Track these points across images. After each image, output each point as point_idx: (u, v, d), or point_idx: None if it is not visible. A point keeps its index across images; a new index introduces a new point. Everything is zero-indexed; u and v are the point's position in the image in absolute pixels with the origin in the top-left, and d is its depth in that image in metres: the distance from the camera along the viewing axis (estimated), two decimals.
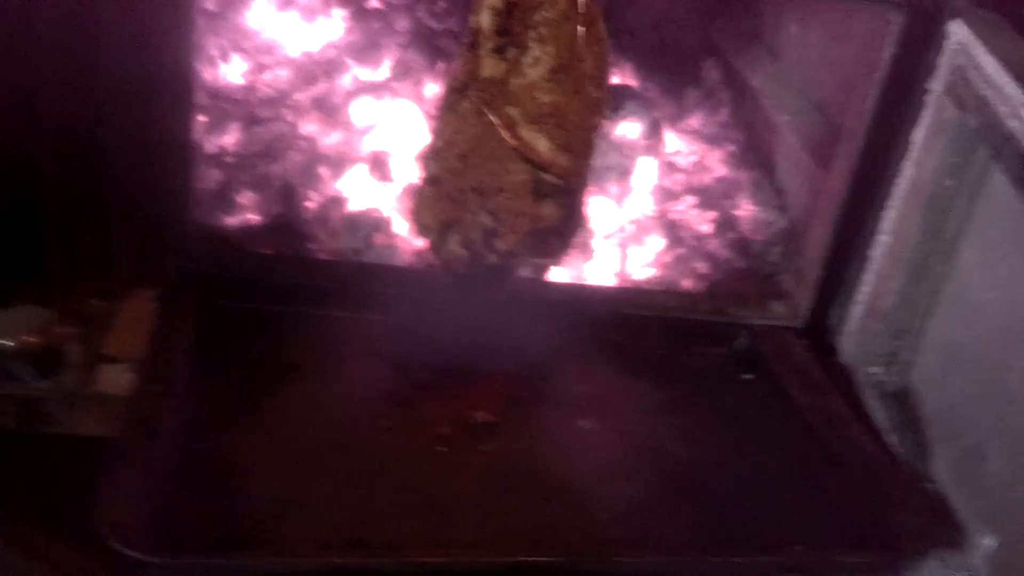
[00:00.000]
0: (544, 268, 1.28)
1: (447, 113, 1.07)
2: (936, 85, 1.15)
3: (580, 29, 0.99)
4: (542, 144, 1.02)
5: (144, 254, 1.26)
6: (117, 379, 1.15)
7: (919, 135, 1.18)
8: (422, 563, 0.95)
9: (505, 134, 1.02)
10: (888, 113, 1.24)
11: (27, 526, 1.17)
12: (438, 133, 1.08)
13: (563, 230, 1.09)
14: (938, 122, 1.14)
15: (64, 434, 1.15)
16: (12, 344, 1.13)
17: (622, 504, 1.07)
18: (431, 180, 1.09)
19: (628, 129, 1.59)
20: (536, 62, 1.00)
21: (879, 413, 1.20)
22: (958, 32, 1.14)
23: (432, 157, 1.09)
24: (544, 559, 0.96)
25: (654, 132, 1.62)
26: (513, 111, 1.02)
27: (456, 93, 1.05)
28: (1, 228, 1.20)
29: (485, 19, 1.01)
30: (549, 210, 1.06)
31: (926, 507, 1.09)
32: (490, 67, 1.01)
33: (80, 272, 1.25)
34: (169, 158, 1.22)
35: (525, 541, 1.00)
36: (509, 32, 1.00)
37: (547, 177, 1.04)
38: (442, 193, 1.08)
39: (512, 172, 1.04)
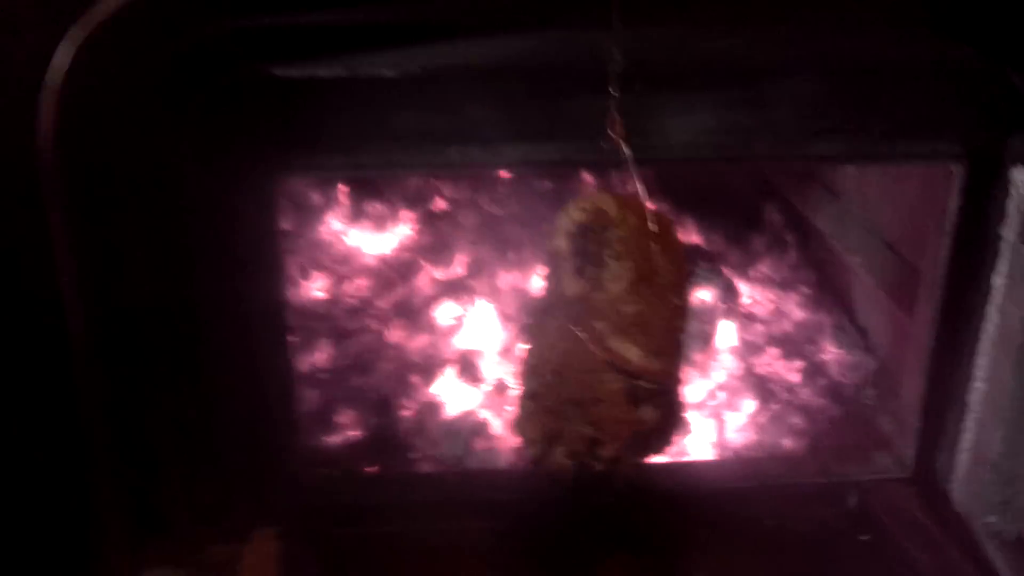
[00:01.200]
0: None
1: (536, 332, 1.11)
2: (1008, 232, 1.16)
3: (654, 245, 1.03)
4: (632, 353, 1.05)
5: (259, 493, 1.31)
6: None
7: (999, 280, 1.18)
8: None
9: (594, 348, 1.06)
10: (964, 258, 1.24)
11: None
12: (531, 351, 1.12)
13: (663, 429, 1.11)
14: (1017, 269, 1.15)
15: None
16: None
17: None
18: (529, 395, 1.13)
19: (703, 295, 1.62)
20: (616, 277, 1.04)
21: (999, 563, 1.18)
22: (1022, 177, 1.16)
23: (527, 373, 1.12)
24: None
25: (728, 291, 1.65)
26: (600, 324, 1.05)
27: (542, 313, 1.10)
28: (125, 487, 1.25)
29: (562, 243, 1.06)
30: (648, 414, 1.08)
31: None
32: (572, 286, 1.06)
33: (200, 520, 1.30)
34: (273, 389, 1.28)
35: None
36: (586, 252, 1.05)
37: (641, 383, 1.06)
38: (541, 407, 1.12)
39: (606, 382, 1.07)
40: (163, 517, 1.27)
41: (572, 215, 1.07)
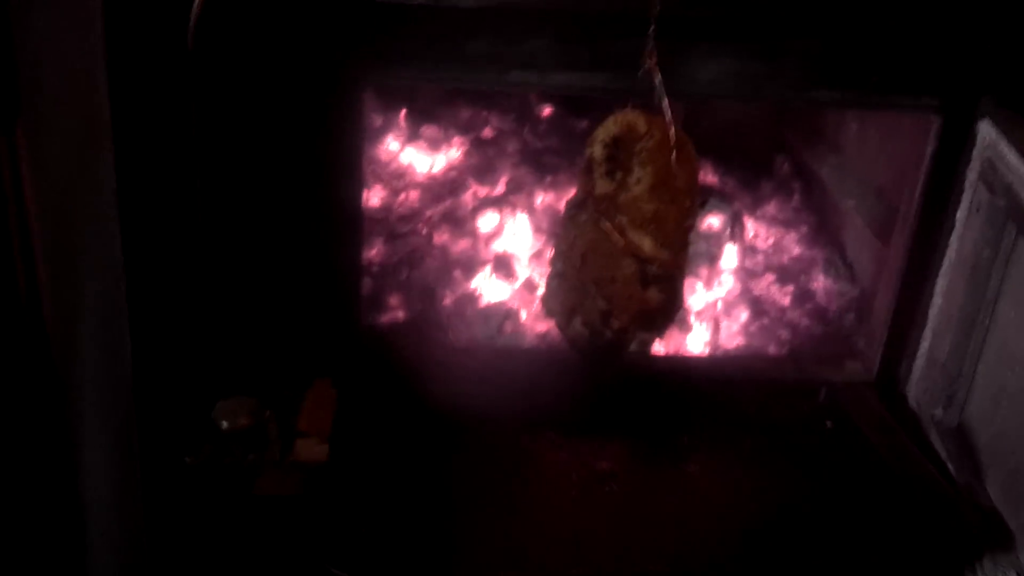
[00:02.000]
0: (650, 343, 1.55)
1: (569, 223, 1.35)
2: (971, 173, 1.39)
3: (673, 155, 1.27)
4: (646, 243, 1.29)
5: (323, 351, 1.56)
6: (310, 449, 1.44)
7: (961, 214, 1.41)
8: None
9: (616, 237, 1.29)
10: (935, 197, 1.47)
11: None
12: (562, 238, 1.37)
13: (666, 310, 1.35)
14: (975, 203, 1.38)
15: (269, 495, 1.44)
16: (227, 425, 1.41)
17: (724, 537, 1.31)
18: (557, 275, 1.37)
19: (714, 221, 1.85)
20: (639, 181, 1.28)
21: (940, 447, 1.42)
22: (986, 130, 1.38)
23: (558, 258, 1.37)
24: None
25: (736, 222, 1.88)
26: (622, 219, 1.29)
27: (576, 208, 1.34)
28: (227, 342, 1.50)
29: (597, 150, 1.29)
30: (653, 295, 1.32)
31: (981, 519, 1.31)
32: (602, 186, 1.29)
33: (275, 370, 1.54)
34: (345, 270, 1.53)
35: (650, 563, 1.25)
36: (616, 159, 1.29)
37: (651, 269, 1.30)
38: (566, 285, 1.36)
39: (622, 266, 1.31)
40: (241, 362, 1.53)
41: (607, 127, 1.31)
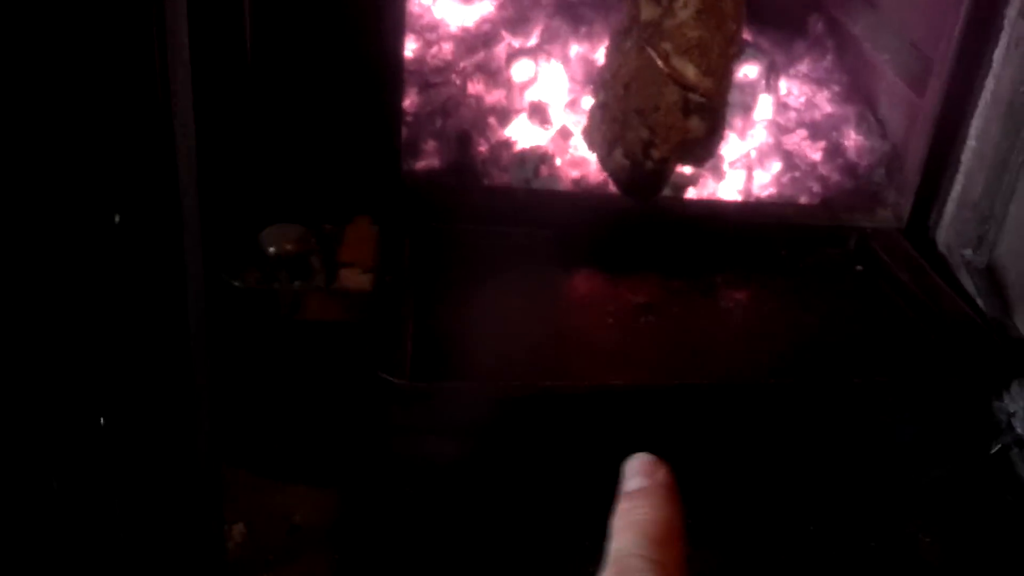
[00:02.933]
0: (684, 186, 1.58)
1: (614, 51, 1.36)
2: (1011, 11, 1.40)
3: None
4: (690, 70, 1.31)
5: (365, 188, 1.58)
6: (354, 278, 1.47)
7: (999, 54, 1.42)
8: (613, 387, 1.24)
9: (660, 64, 1.31)
10: (972, 39, 1.48)
11: None
12: (606, 67, 1.38)
13: (707, 141, 1.37)
14: (1013, 39, 1.39)
15: (314, 319, 1.48)
16: (274, 250, 1.44)
17: (761, 355, 1.35)
18: (600, 105, 1.39)
19: (750, 71, 1.86)
20: (685, 5, 1.29)
21: (970, 285, 1.46)
22: None
23: (601, 86, 1.38)
24: (710, 381, 1.26)
25: (772, 73, 1.88)
26: (667, 45, 1.30)
27: (621, 35, 1.35)
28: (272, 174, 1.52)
29: None
30: (695, 123, 1.34)
31: (1009, 346, 1.35)
32: (648, 12, 1.30)
33: (318, 204, 1.57)
34: (385, 112, 1.55)
35: (689, 376, 1.30)
36: None
37: (694, 97, 1.32)
38: (609, 115, 1.38)
39: (666, 95, 1.32)
40: (283, 195, 1.56)
41: None
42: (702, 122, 1.34)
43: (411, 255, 1.48)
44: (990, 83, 1.45)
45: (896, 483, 1.45)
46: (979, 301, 1.43)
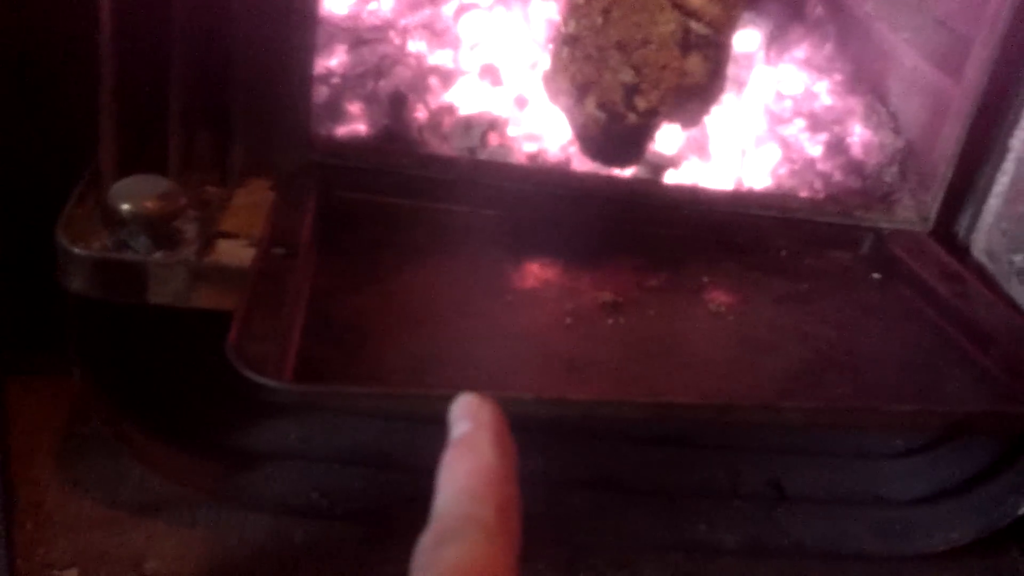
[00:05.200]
0: (663, 168, 1.26)
1: None
2: None
3: None
4: None
5: (262, 145, 1.24)
6: (236, 252, 1.13)
7: None
8: (570, 401, 0.90)
9: None
10: None
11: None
12: None
13: (707, 90, 1.06)
14: None
15: (181, 307, 1.13)
16: (129, 207, 1.09)
17: (766, 371, 1.03)
18: (569, 40, 1.07)
19: (745, 40, 1.56)
20: None
21: (1022, 297, 1.16)
22: None
23: (571, 15, 1.06)
24: (699, 402, 0.91)
25: (772, 43, 1.59)
26: None
27: None
28: (128, 114, 1.18)
29: None
30: (695, 64, 1.03)
31: None
32: None
33: (198, 161, 1.23)
34: (293, 59, 1.21)
35: (675, 390, 0.96)
36: None
37: (696, 26, 1.01)
38: (580, 53, 1.06)
39: (659, 23, 1.01)
40: (161, 156, 1.22)
41: None
42: (704, 63, 1.03)
43: (314, 228, 1.15)
44: None
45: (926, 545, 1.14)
46: None
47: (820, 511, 1.26)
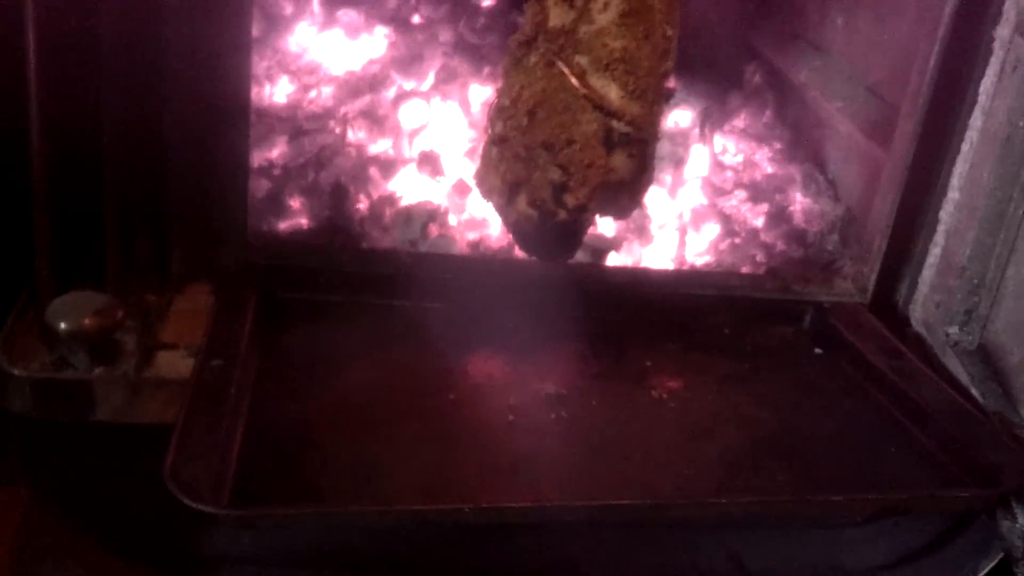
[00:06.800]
0: (604, 251, 1.27)
1: (513, 69, 1.05)
2: (1002, 30, 1.13)
3: None
4: (613, 91, 1.01)
5: (200, 249, 1.24)
6: (175, 364, 1.12)
7: (987, 83, 1.16)
8: (508, 509, 0.90)
9: (575, 83, 1.01)
10: (949, 72, 1.22)
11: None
12: (504, 91, 1.07)
13: (634, 184, 1.07)
14: (1008, 63, 1.12)
15: (123, 423, 1.13)
16: (67, 326, 1.09)
17: (706, 460, 1.03)
18: (498, 140, 1.08)
19: (681, 118, 1.58)
20: (606, 7, 0.99)
21: (960, 371, 1.16)
22: None
23: (498, 116, 1.07)
24: (634, 503, 0.91)
25: (707, 120, 1.61)
26: (583, 59, 1.01)
27: (523, 47, 1.04)
28: (63, 228, 1.18)
29: None
30: (620, 161, 1.04)
31: (1019, 447, 1.05)
32: (558, 15, 1.01)
33: (136, 269, 1.23)
34: (228, 160, 1.21)
35: (611, 491, 0.95)
36: None
37: (618, 125, 1.02)
38: (509, 153, 1.07)
39: (582, 123, 1.02)
40: (98, 266, 1.21)
41: None
42: (629, 159, 1.04)
43: (254, 333, 1.14)
44: (976, 120, 1.18)
45: None
46: (974, 391, 1.13)
47: None
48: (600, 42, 1.00)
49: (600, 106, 1.01)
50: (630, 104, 1.01)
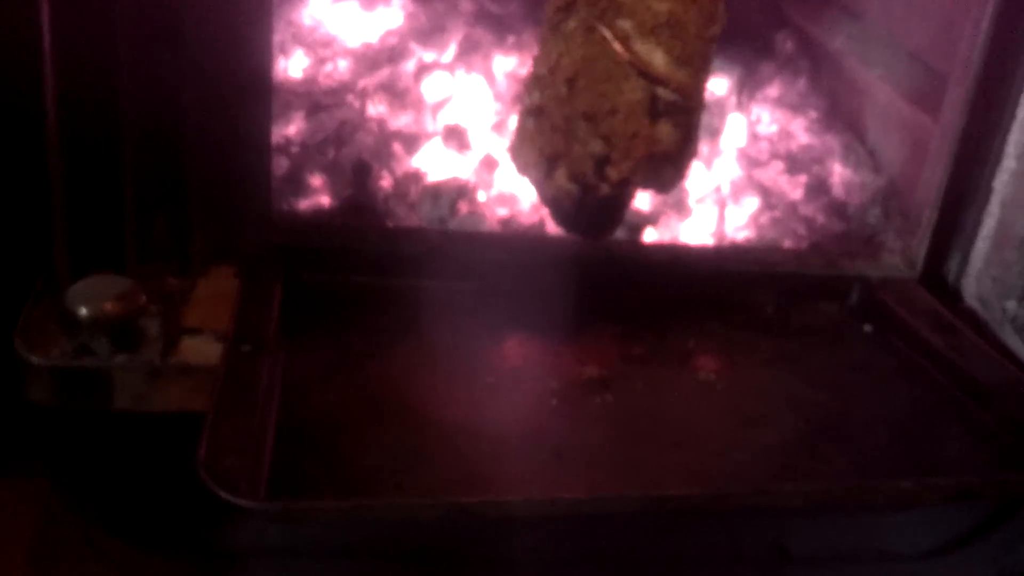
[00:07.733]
0: (640, 227, 1.22)
1: (551, 36, 1.00)
2: None
3: None
4: (658, 57, 0.95)
5: (223, 230, 1.19)
6: (202, 349, 1.08)
7: None
8: (561, 501, 0.85)
9: (618, 49, 0.95)
10: (1004, 38, 1.17)
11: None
12: (541, 59, 1.02)
13: (679, 156, 1.01)
14: None
15: (145, 411, 1.08)
16: (88, 312, 1.04)
17: (760, 446, 0.98)
18: (534, 111, 1.02)
19: (715, 86, 1.52)
20: None
21: (1020, 347, 1.11)
22: None
23: (534, 86, 1.02)
24: (694, 494, 0.86)
25: (744, 88, 1.55)
26: (626, 23, 0.95)
27: (561, 12, 0.99)
28: (80, 209, 1.13)
29: None
30: (665, 131, 0.98)
31: None
32: None
33: (156, 252, 1.18)
34: (251, 136, 1.16)
35: (665, 480, 0.91)
36: None
37: (664, 93, 0.96)
38: (546, 124, 1.01)
39: (626, 91, 0.96)
40: (119, 250, 1.16)
41: None
42: (674, 130, 0.98)
43: (282, 317, 1.10)
44: None
45: None
46: None
47: (827, 571, 1.22)
48: (644, 5, 0.95)
49: (645, 73, 0.95)
50: (676, 71, 0.96)
